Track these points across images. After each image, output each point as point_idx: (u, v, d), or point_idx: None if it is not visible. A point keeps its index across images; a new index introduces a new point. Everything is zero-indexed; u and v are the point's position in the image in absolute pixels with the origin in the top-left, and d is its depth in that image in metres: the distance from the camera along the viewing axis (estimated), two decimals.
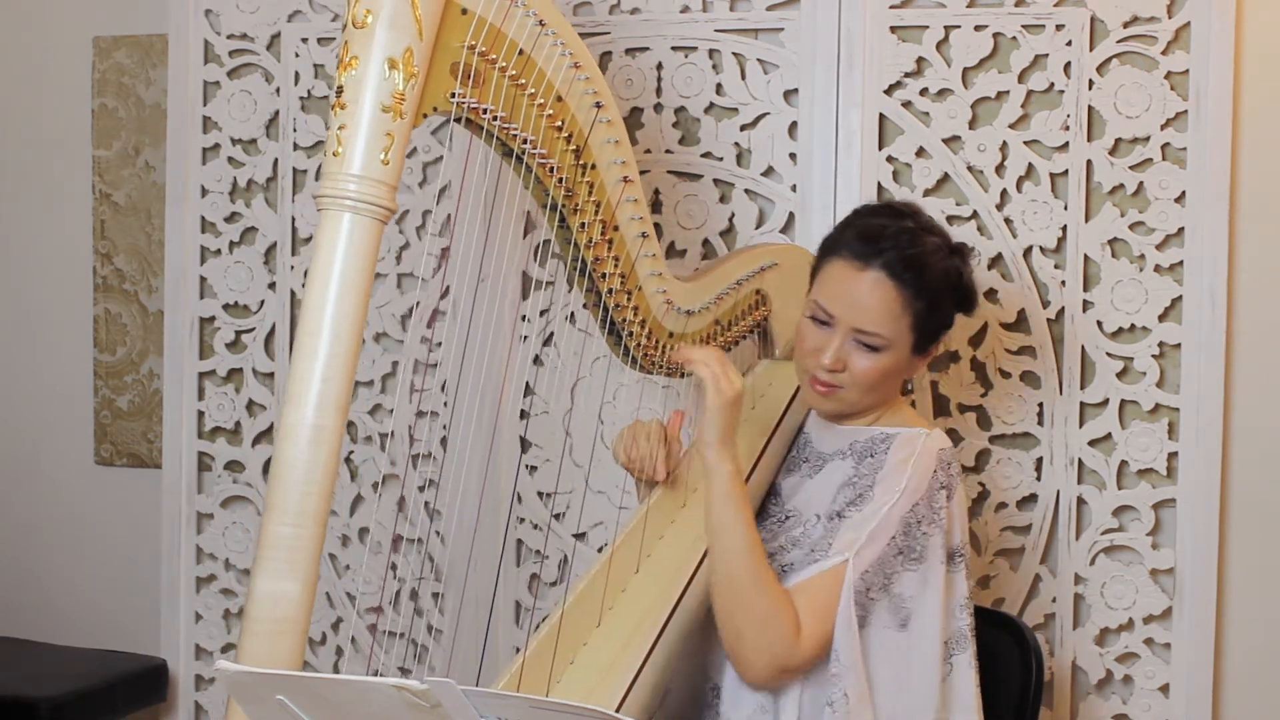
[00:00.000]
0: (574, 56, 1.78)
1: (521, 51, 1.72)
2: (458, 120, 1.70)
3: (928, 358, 1.96)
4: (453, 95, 1.66)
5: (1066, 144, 2.49)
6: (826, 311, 1.89)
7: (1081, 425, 2.50)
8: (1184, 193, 2.45)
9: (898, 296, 1.86)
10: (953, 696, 1.87)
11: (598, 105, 1.84)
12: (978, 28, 2.51)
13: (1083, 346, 2.49)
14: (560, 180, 1.83)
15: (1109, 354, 2.49)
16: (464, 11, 1.65)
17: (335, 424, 1.58)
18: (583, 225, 1.88)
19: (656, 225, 2.57)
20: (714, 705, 1.96)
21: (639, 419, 2.08)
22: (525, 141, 1.77)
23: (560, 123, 1.80)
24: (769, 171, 2.60)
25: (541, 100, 1.76)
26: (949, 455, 1.89)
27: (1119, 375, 2.49)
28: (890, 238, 1.88)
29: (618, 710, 1.72)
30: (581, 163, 1.85)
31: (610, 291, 1.94)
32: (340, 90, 1.58)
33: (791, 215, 2.59)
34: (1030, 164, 2.50)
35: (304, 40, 2.80)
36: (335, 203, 1.57)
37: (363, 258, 1.58)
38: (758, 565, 1.79)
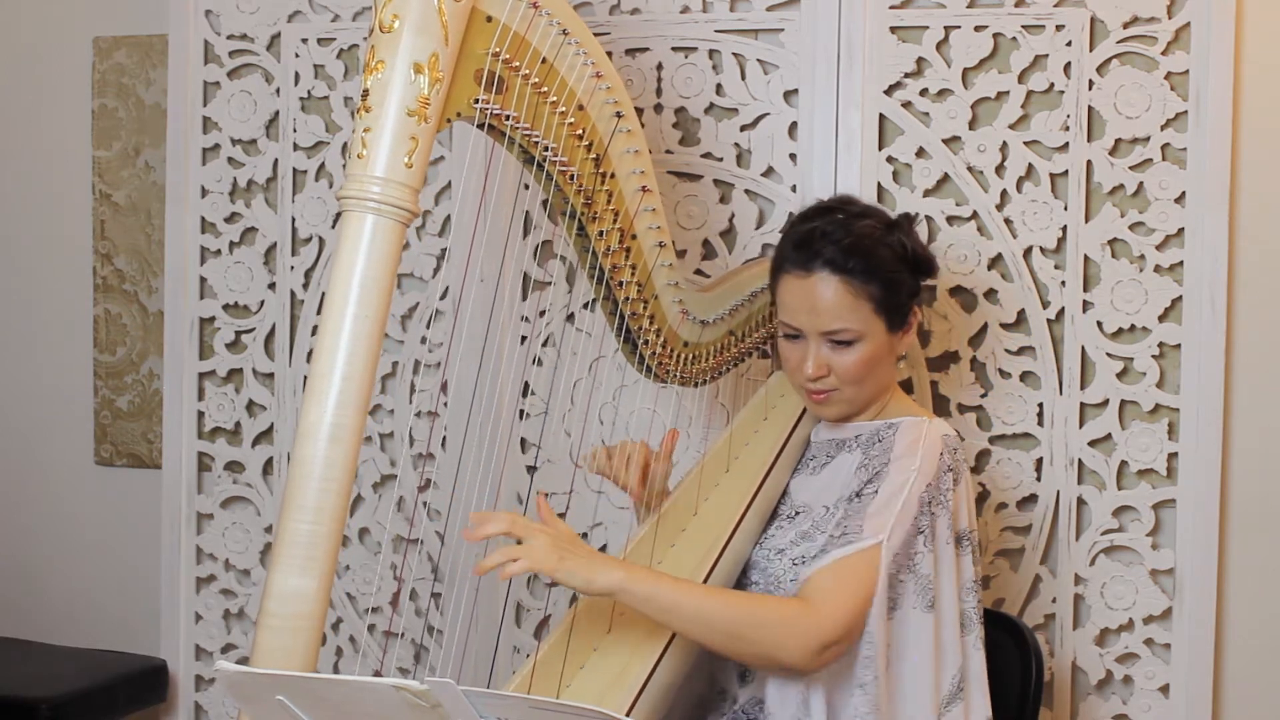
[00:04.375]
0: (596, 66, 1.81)
1: (544, 60, 1.74)
2: (480, 126, 1.72)
3: (907, 331, 1.97)
4: (476, 101, 1.68)
5: (1066, 144, 2.49)
6: (792, 326, 1.93)
7: (1081, 425, 2.50)
8: (1184, 193, 2.45)
9: (849, 289, 1.89)
10: (966, 677, 1.90)
11: (618, 115, 1.86)
12: (978, 28, 2.51)
13: (1083, 347, 2.49)
14: (580, 188, 1.85)
15: (1109, 354, 2.49)
16: (489, 19, 1.67)
17: (354, 422, 1.60)
18: (601, 233, 1.89)
19: None
20: (719, 707, 1.97)
21: (623, 442, 2.09)
22: (546, 149, 1.79)
23: (581, 131, 1.82)
24: (769, 172, 2.60)
25: (563, 108, 1.78)
26: (954, 441, 1.92)
27: (1119, 375, 2.49)
28: (822, 237, 1.91)
29: (628, 715, 1.72)
30: (601, 171, 1.87)
31: (627, 300, 1.96)
32: (366, 93, 1.60)
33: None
34: (1030, 164, 2.50)
35: (304, 40, 2.80)
36: (358, 204, 1.59)
37: (385, 259, 1.60)
38: (722, 607, 1.76)
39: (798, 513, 1.98)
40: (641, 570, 1.77)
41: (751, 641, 1.76)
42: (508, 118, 1.73)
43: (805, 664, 1.79)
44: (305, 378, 2.79)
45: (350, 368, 1.59)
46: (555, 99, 1.77)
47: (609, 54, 2.61)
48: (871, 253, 1.90)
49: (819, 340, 1.91)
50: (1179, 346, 2.46)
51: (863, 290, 1.89)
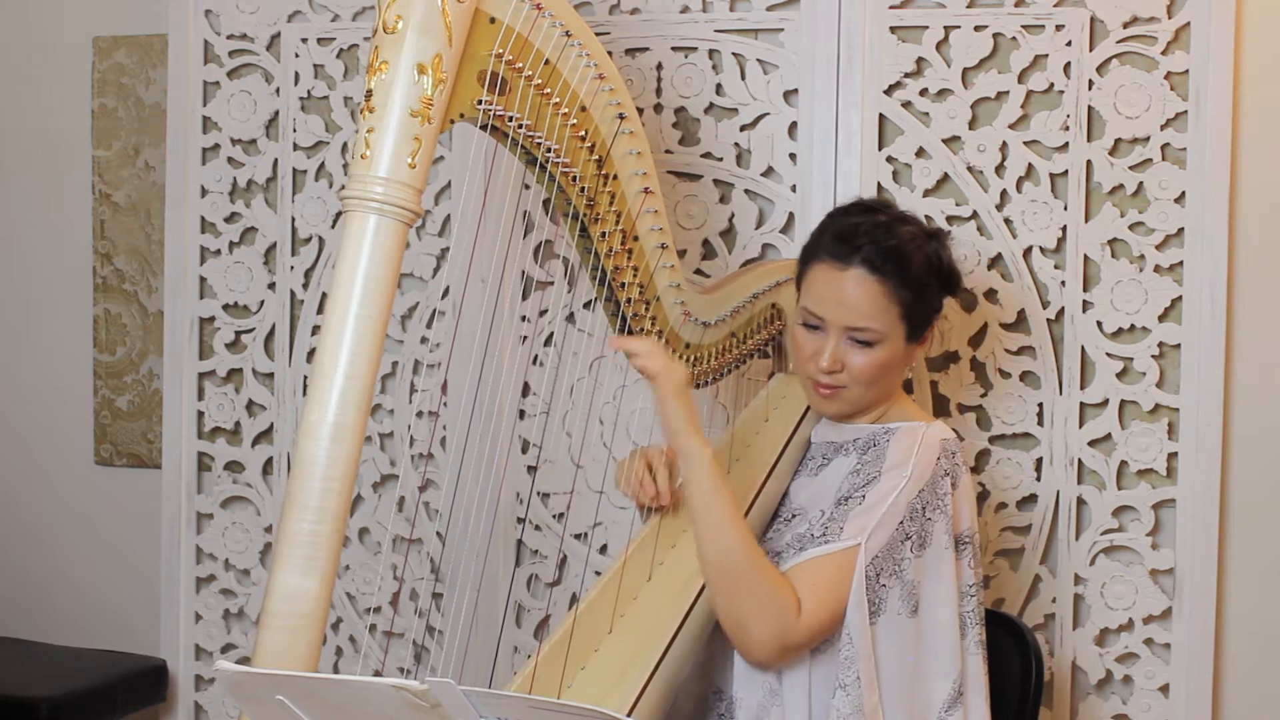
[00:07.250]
0: (599, 68, 1.81)
1: (548, 61, 1.75)
2: (483, 127, 1.72)
3: (923, 344, 1.98)
4: (479, 102, 1.69)
5: (1066, 144, 2.49)
6: (816, 315, 1.92)
7: (1081, 425, 2.50)
8: (1184, 193, 2.45)
9: (882, 289, 1.89)
10: (965, 682, 1.89)
11: (621, 116, 1.86)
12: (978, 28, 2.51)
13: (1082, 346, 2.50)
14: (582, 190, 1.85)
15: (1109, 354, 2.49)
16: (492, 20, 1.67)
17: (357, 422, 1.60)
18: (603, 235, 1.90)
19: None
20: (716, 708, 1.97)
21: (641, 447, 2.08)
22: (549, 150, 1.79)
23: (584, 133, 1.83)
24: (769, 172, 2.60)
25: (566, 110, 1.79)
26: (953, 445, 1.92)
27: (1119, 375, 2.49)
28: (865, 234, 1.91)
29: (629, 716, 1.72)
30: (604, 173, 1.87)
31: (629, 301, 1.96)
32: (369, 94, 1.61)
33: (791, 215, 2.59)
34: (1030, 164, 2.50)
35: (304, 40, 2.80)
36: (361, 204, 1.59)
37: (387, 259, 1.60)
38: (747, 543, 1.80)
39: (795, 515, 1.98)
40: (716, 467, 1.83)
41: (743, 596, 1.78)
42: (510, 119, 1.73)
43: (765, 654, 1.80)
44: (306, 377, 2.80)
45: (353, 367, 1.59)
46: (558, 100, 1.77)
47: (609, 54, 2.62)
48: (910, 259, 1.90)
49: (840, 334, 1.91)
50: (1179, 346, 2.46)
51: (895, 294, 1.89)
